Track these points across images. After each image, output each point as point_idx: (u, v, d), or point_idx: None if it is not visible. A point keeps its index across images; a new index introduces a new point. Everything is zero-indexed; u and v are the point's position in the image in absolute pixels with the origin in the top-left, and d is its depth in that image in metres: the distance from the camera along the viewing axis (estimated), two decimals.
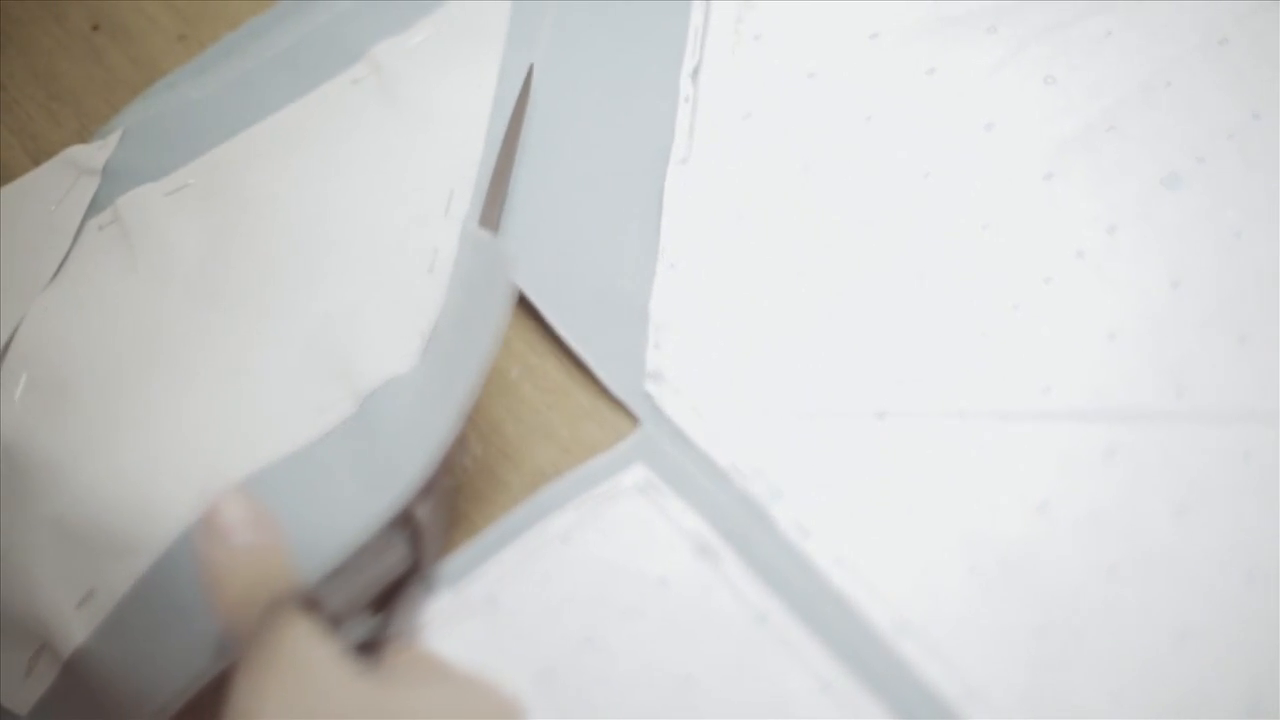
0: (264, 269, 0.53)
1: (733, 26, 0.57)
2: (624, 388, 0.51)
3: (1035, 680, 0.45)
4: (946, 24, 0.55)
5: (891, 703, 0.45)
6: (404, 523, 0.46)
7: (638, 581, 0.47)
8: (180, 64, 0.59)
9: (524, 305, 0.52)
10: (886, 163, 0.53)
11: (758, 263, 0.52)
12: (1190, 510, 0.47)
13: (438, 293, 0.51)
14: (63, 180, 0.56)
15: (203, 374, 0.51)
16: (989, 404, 0.49)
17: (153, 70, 0.59)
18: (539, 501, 0.48)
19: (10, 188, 0.57)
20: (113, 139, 0.57)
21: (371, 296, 0.52)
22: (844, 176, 0.53)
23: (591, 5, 0.58)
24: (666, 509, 0.48)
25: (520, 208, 0.54)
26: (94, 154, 0.57)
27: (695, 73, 0.56)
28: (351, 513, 0.45)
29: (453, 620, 0.46)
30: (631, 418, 0.50)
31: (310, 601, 0.43)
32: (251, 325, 0.52)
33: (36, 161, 0.57)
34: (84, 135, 0.58)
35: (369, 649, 0.45)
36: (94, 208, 0.56)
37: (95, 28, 0.60)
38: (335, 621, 0.44)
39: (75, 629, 0.47)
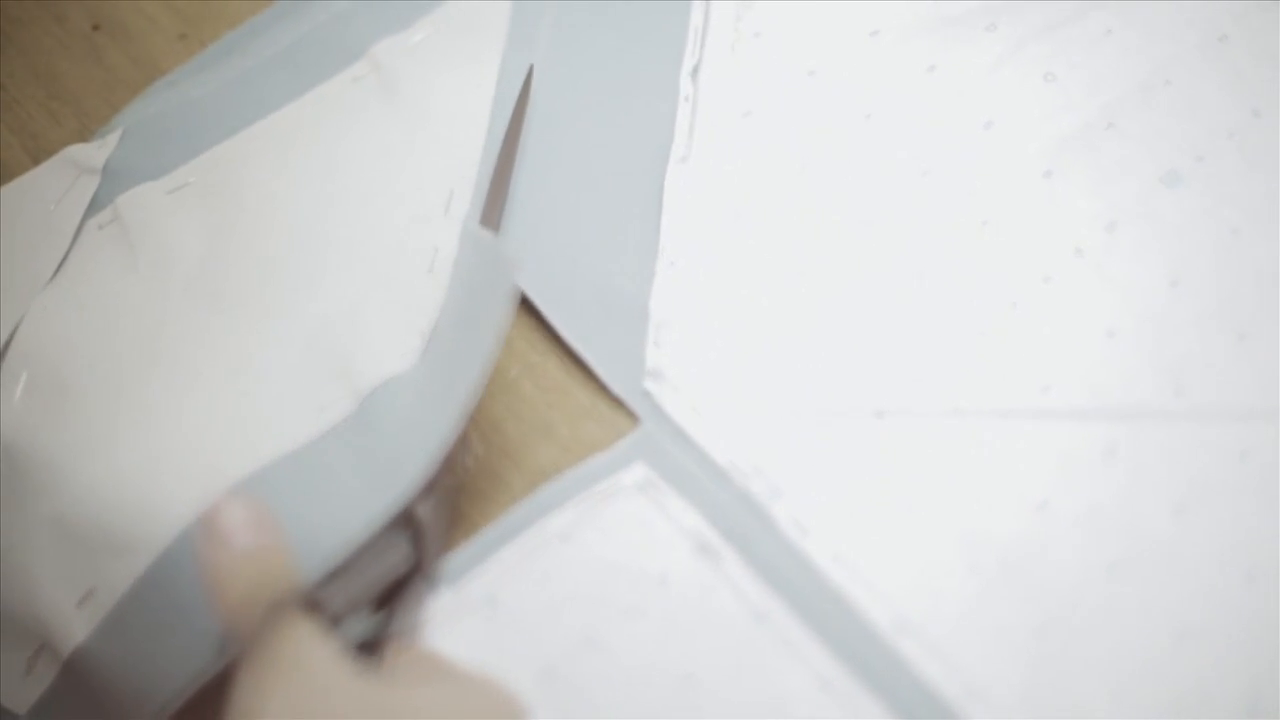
0: (264, 268, 0.53)
1: (732, 25, 0.57)
2: (624, 386, 0.51)
3: (1034, 679, 0.45)
4: (946, 22, 0.55)
5: (891, 701, 0.45)
6: (406, 522, 0.46)
7: (637, 580, 0.47)
8: (180, 63, 0.59)
9: (524, 304, 0.52)
10: (886, 161, 0.53)
11: (757, 261, 0.52)
12: (1190, 509, 0.47)
13: (438, 292, 0.51)
14: (63, 179, 0.56)
15: (203, 373, 0.51)
16: (988, 402, 0.49)
17: (153, 70, 0.59)
18: (539, 500, 0.48)
19: (10, 187, 0.57)
20: (113, 138, 0.57)
21: (371, 296, 0.52)
22: (843, 175, 0.53)
23: (591, 4, 0.58)
24: (666, 507, 0.48)
25: (520, 206, 0.54)
26: (94, 153, 0.57)
27: (695, 71, 0.56)
28: (352, 511, 0.45)
29: (452, 619, 0.46)
30: (631, 416, 0.50)
31: (312, 602, 0.43)
32: (252, 324, 0.52)
33: (36, 161, 0.57)
34: (84, 134, 0.58)
35: (370, 647, 0.45)
36: (94, 207, 0.56)
37: (95, 27, 0.60)
38: (337, 621, 0.44)
39: (75, 628, 0.47)
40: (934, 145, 0.53)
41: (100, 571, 0.47)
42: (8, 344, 0.53)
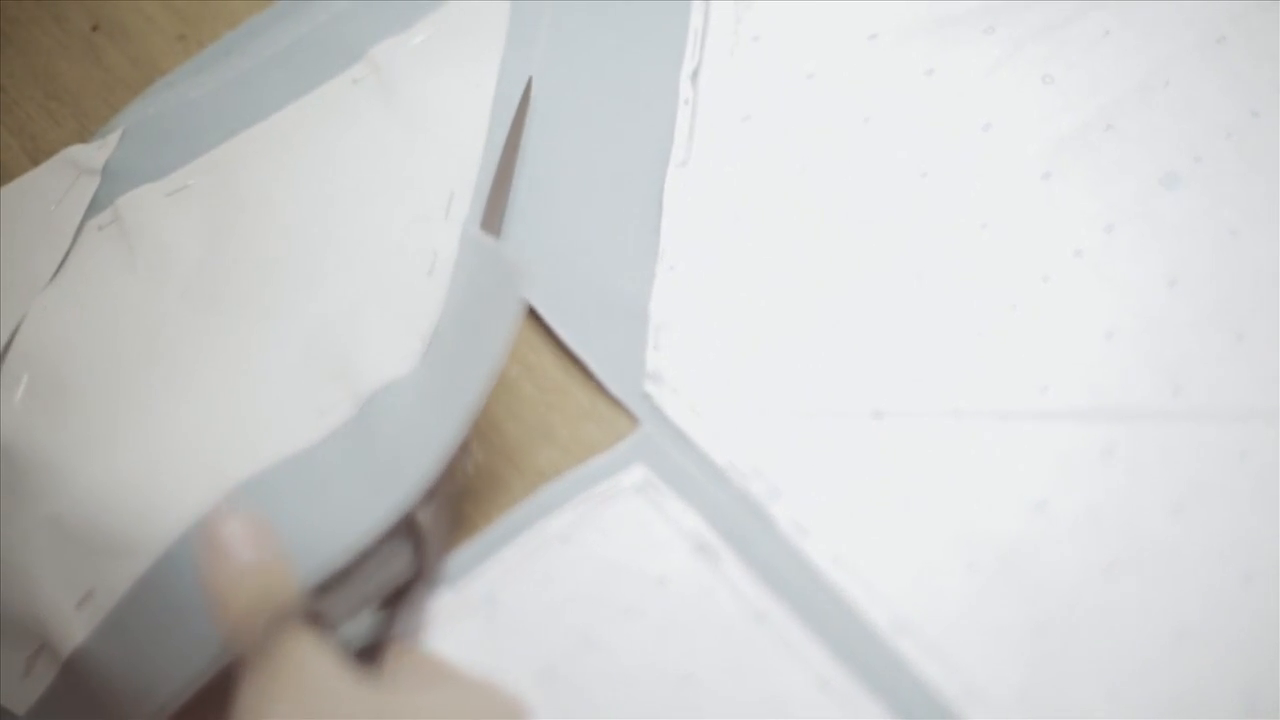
0: (263, 270, 0.53)
1: (732, 28, 0.57)
2: (623, 388, 0.51)
3: (1033, 678, 0.45)
4: (944, 24, 0.55)
5: (890, 701, 0.45)
6: (407, 528, 0.46)
7: (637, 581, 0.47)
8: (180, 64, 0.59)
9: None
10: (885, 163, 0.53)
11: (756, 264, 0.52)
12: (1188, 509, 0.47)
13: (437, 295, 0.51)
14: (62, 180, 0.56)
15: (202, 375, 0.51)
16: (987, 403, 0.49)
17: (152, 70, 0.59)
18: (538, 501, 0.48)
19: (10, 187, 0.57)
20: (112, 138, 0.57)
21: (371, 298, 0.52)
22: (842, 177, 0.53)
23: (591, 5, 0.58)
24: (666, 509, 0.48)
25: (520, 209, 0.54)
26: (93, 154, 0.57)
27: (695, 75, 0.56)
28: (352, 516, 0.45)
29: (452, 619, 0.46)
30: (631, 418, 0.50)
31: (314, 613, 0.43)
32: (251, 326, 0.52)
33: (36, 162, 0.57)
34: (83, 135, 0.58)
35: (371, 651, 0.45)
36: (94, 207, 0.56)
37: (95, 28, 0.60)
38: (340, 624, 0.44)
39: (75, 629, 0.47)
40: (933, 147, 0.53)
41: (100, 573, 0.47)
42: (8, 345, 0.53)
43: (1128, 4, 0.55)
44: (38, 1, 0.61)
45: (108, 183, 0.56)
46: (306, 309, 0.52)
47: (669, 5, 0.57)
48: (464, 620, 0.46)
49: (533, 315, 0.52)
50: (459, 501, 0.49)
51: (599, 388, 0.51)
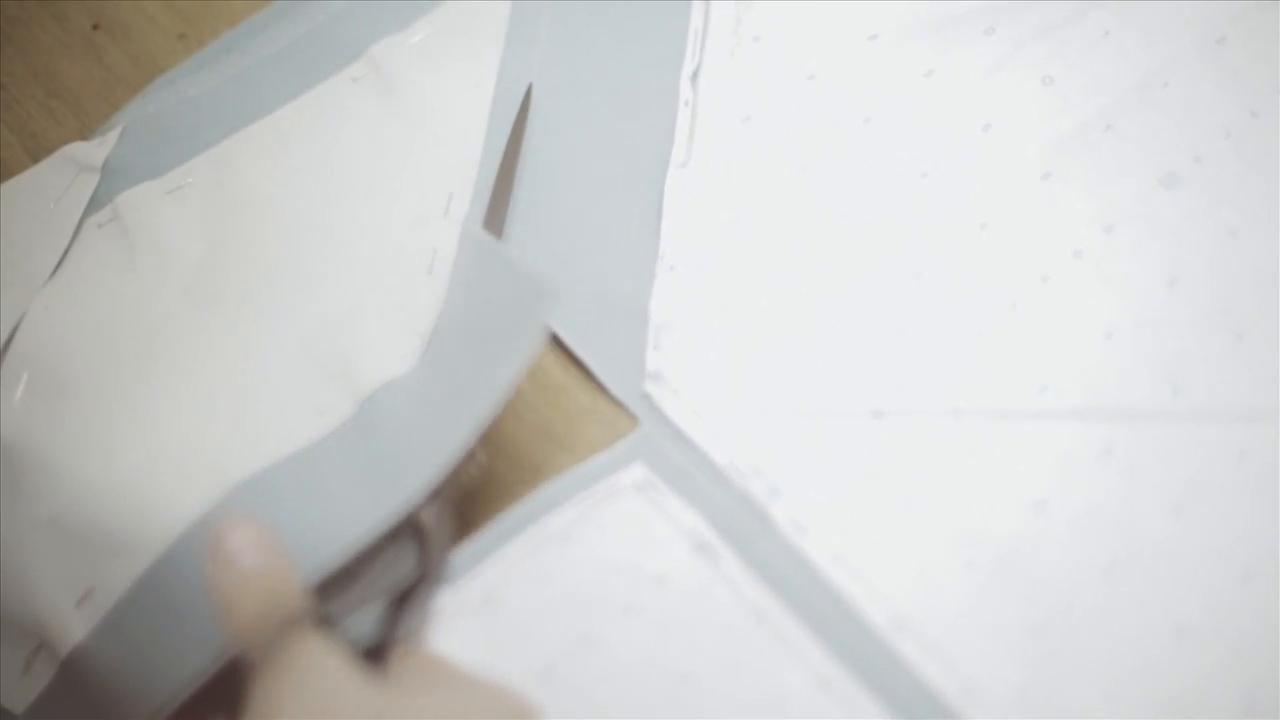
0: (262, 268, 0.53)
1: (732, 28, 0.57)
2: (623, 388, 0.51)
3: (1032, 678, 0.45)
4: (944, 25, 0.55)
5: (889, 700, 0.45)
6: (411, 530, 0.46)
7: (637, 579, 0.47)
8: (180, 62, 0.59)
9: None
10: (885, 163, 0.53)
11: (756, 264, 0.52)
12: (1187, 509, 0.47)
13: (437, 294, 0.51)
14: (62, 178, 0.56)
15: (202, 374, 0.51)
16: (986, 403, 0.49)
17: (153, 69, 0.59)
18: (538, 500, 0.49)
19: (9, 185, 0.57)
20: (112, 136, 0.57)
21: (370, 297, 0.52)
22: (842, 177, 0.53)
23: (591, 6, 0.58)
24: (665, 507, 0.48)
25: (521, 210, 0.54)
26: (93, 151, 0.57)
27: (695, 75, 0.56)
28: (352, 514, 0.45)
29: (452, 618, 0.46)
30: (631, 417, 0.50)
31: (320, 616, 0.43)
32: (250, 325, 0.52)
33: (36, 160, 0.57)
34: (84, 134, 0.58)
35: (376, 653, 0.45)
36: (93, 205, 0.56)
37: (95, 26, 0.60)
38: (346, 632, 0.44)
39: (74, 628, 0.47)
40: (933, 148, 0.53)
41: (99, 572, 0.47)
42: (8, 344, 0.53)
43: (1127, 4, 0.55)
44: (38, 0, 0.61)
45: (107, 180, 0.56)
46: (305, 308, 0.52)
47: (669, 6, 0.57)
48: (464, 618, 0.46)
49: None
50: (463, 502, 0.49)
51: (599, 387, 0.51)
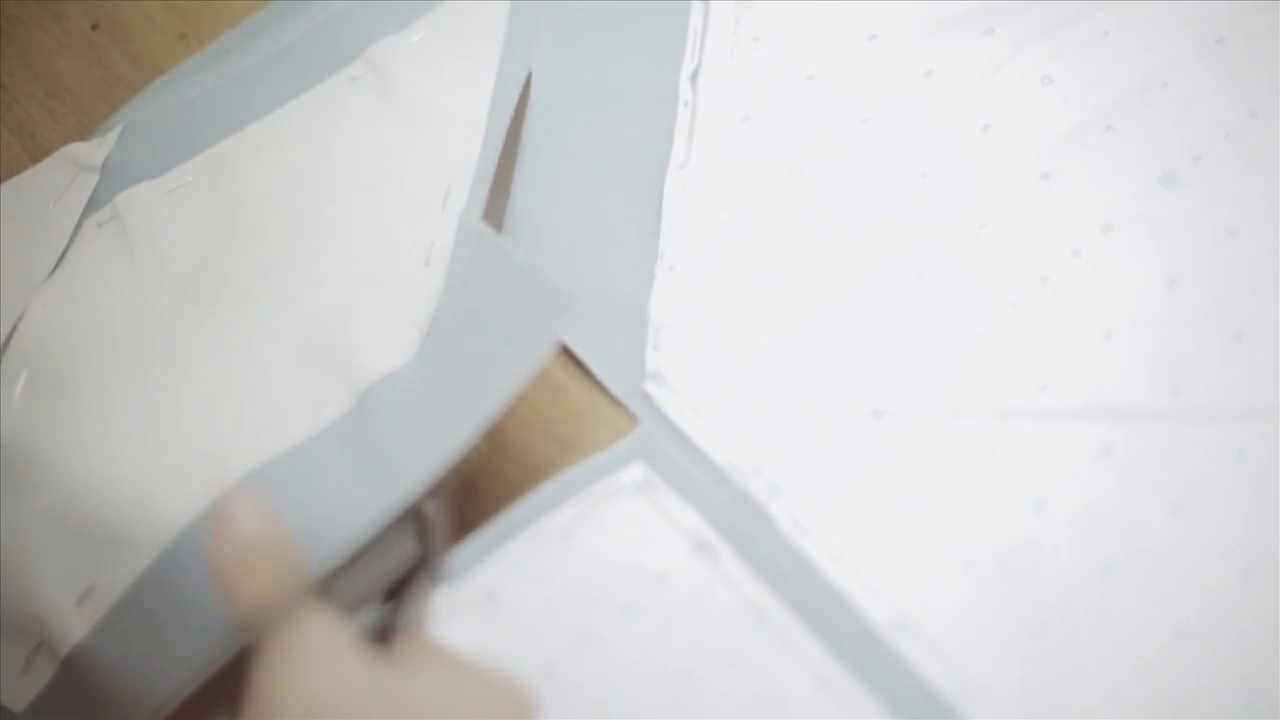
0: (261, 265, 0.53)
1: (731, 29, 0.57)
2: (623, 388, 0.51)
3: (1031, 677, 0.45)
4: (944, 25, 0.55)
5: (889, 699, 0.45)
6: (412, 517, 0.46)
7: (636, 578, 0.47)
8: (180, 63, 0.59)
9: None
10: (884, 164, 0.53)
11: (756, 264, 0.52)
12: (1186, 508, 0.47)
13: (434, 285, 0.51)
14: (61, 177, 0.56)
15: (201, 371, 0.51)
16: (986, 402, 0.49)
17: (152, 69, 0.59)
18: (538, 498, 0.49)
19: (9, 185, 0.57)
20: (111, 136, 0.57)
21: (368, 290, 0.52)
22: (842, 177, 0.53)
23: (591, 6, 0.58)
24: (665, 507, 0.48)
25: (521, 210, 0.54)
26: (93, 151, 0.57)
27: (694, 76, 0.56)
28: (353, 509, 0.45)
29: (452, 616, 0.46)
30: (631, 417, 0.50)
31: (324, 592, 0.43)
32: (248, 321, 0.52)
33: (35, 160, 0.57)
34: (83, 134, 0.58)
35: (380, 636, 0.45)
36: (92, 205, 0.56)
37: (95, 26, 0.60)
38: (346, 614, 0.44)
39: (74, 626, 0.47)
40: (932, 148, 0.53)
41: (100, 569, 0.47)
42: (7, 342, 0.53)
43: (1127, 5, 0.55)
44: (38, 0, 0.61)
45: (107, 180, 0.56)
46: (304, 303, 0.52)
47: (669, 6, 0.57)
48: (464, 617, 0.46)
49: None
50: (463, 499, 0.49)
51: (599, 387, 0.51)
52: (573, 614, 0.46)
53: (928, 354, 0.50)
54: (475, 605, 0.47)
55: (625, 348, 0.51)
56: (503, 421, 0.50)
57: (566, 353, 0.51)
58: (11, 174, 0.57)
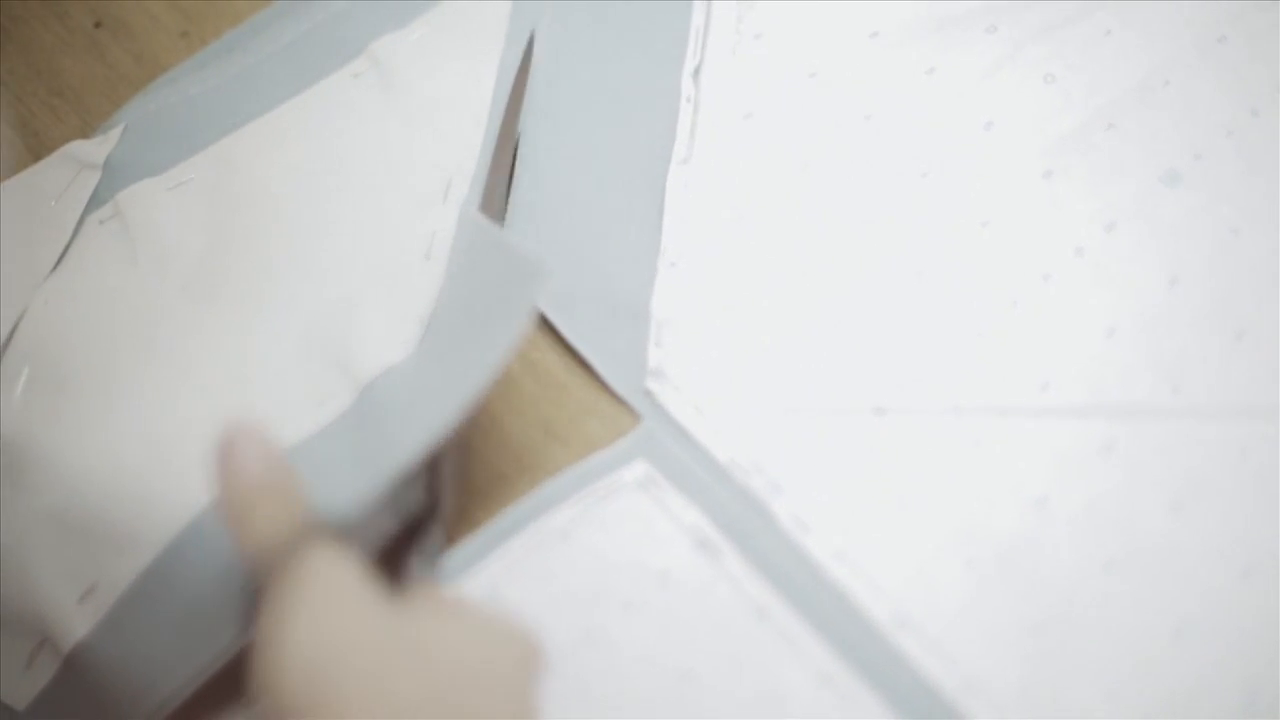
0: (263, 262, 0.53)
1: (734, 26, 0.57)
2: (625, 385, 0.51)
3: (1032, 675, 0.45)
4: (946, 24, 0.55)
5: (890, 696, 0.45)
6: (422, 467, 0.46)
7: (638, 576, 0.47)
8: (182, 60, 0.59)
9: None
10: (886, 161, 0.53)
11: (758, 261, 0.52)
12: (1187, 506, 0.47)
13: (435, 278, 0.51)
14: (64, 175, 0.56)
15: (203, 368, 0.51)
16: (987, 400, 0.49)
17: (155, 67, 0.59)
18: (540, 496, 0.49)
19: (11, 182, 0.57)
20: (114, 134, 0.57)
21: (369, 284, 0.52)
22: (844, 175, 0.53)
23: (592, 5, 0.58)
24: (667, 504, 0.48)
25: (523, 206, 0.54)
26: (95, 149, 0.57)
27: (696, 73, 0.56)
28: (352, 504, 0.45)
29: None
30: (633, 414, 0.50)
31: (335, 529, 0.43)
32: (250, 318, 0.52)
33: (38, 157, 0.57)
34: (86, 132, 0.58)
35: (391, 569, 0.45)
36: (94, 202, 0.56)
37: (97, 24, 0.60)
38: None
39: (77, 624, 0.47)
40: (934, 146, 0.53)
41: (102, 567, 0.47)
42: (9, 339, 0.53)
43: (1128, 4, 0.55)
44: None
45: (109, 177, 0.56)
46: (305, 299, 0.52)
47: (671, 4, 0.57)
48: None
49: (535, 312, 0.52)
50: (472, 435, 0.48)
51: (601, 384, 0.51)
52: (575, 612, 0.47)
53: (929, 352, 0.50)
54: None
55: (627, 345, 0.51)
56: (504, 420, 0.50)
57: (568, 350, 0.52)
58: (14, 171, 0.57)
